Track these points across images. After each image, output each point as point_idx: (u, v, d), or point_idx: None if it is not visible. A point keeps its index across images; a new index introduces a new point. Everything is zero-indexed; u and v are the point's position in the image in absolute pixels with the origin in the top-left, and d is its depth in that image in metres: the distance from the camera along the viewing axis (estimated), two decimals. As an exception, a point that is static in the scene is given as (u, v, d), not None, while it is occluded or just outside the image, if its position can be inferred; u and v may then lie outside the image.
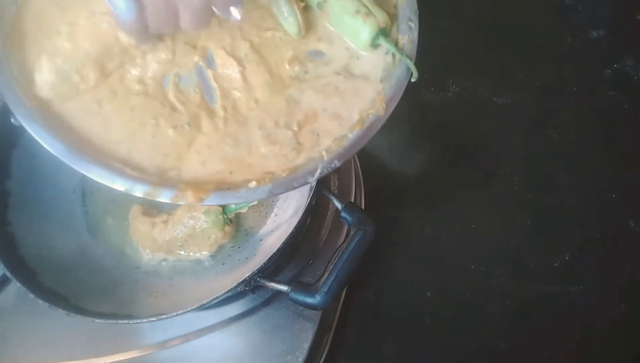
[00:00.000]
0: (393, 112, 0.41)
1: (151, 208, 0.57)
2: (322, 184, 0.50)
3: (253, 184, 0.37)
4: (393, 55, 0.40)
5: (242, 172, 0.37)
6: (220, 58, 0.39)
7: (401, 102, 0.77)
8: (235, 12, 0.36)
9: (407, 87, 0.41)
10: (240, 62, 0.39)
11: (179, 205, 0.55)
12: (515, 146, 0.70)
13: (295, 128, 0.39)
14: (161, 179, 0.36)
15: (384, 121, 0.40)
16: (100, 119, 0.37)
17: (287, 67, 0.40)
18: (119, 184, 0.35)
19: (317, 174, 0.37)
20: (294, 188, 0.37)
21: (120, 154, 0.36)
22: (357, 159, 0.65)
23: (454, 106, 0.73)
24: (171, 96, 0.38)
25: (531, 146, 0.69)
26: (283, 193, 0.37)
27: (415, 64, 0.40)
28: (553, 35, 0.77)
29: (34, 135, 0.35)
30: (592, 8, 0.78)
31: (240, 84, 0.39)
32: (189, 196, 0.35)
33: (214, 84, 0.39)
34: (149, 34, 0.36)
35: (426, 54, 0.77)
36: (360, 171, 0.65)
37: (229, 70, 0.39)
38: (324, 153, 0.38)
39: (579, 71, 0.74)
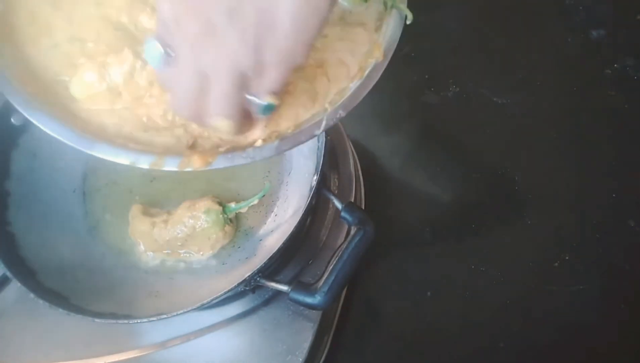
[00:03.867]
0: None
1: (151, 208, 0.57)
2: (322, 184, 0.50)
3: (259, 142, 0.36)
4: (385, 3, 0.40)
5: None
6: None
7: (402, 103, 0.77)
8: (271, 98, 0.34)
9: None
10: None
11: (179, 205, 0.55)
12: (515, 145, 0.70)
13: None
14: (167, 150, 0.35)
15: (383, 68, 0.39)
16: (117, 118, 0.36)
17: None
18: (123, 158, 0.34)
19: (322, 126, 0.36)
20: (302, 142, 0.36)
21: (135, 137, 0.36)
22: (357, 159, 0.65)
23: (454, 106, 0.73)
24: None
25: (531, 146, 0.69)
26: (290, 148, 0.36)
27: (409, 7, 0.39)
28: (553, 35, 0.77)
29: (28, 117, 0.35)
30: (592, 8, 0.78)
31: None
32: (196, 161, 0.34)
33: None
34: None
35: (426, 54, 0.77)
36: (360, 171, 0.65)
37: None
38: (327, 105, 0.37)
39: (579, 71, 0.74)
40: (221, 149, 0.36)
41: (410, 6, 0.39)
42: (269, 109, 0.35)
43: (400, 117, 0.72)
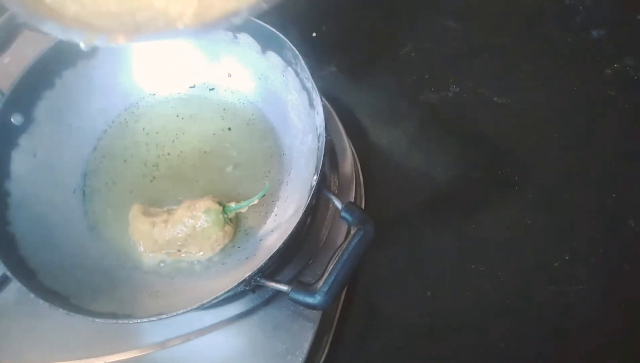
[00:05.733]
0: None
1: (151, 208, 0.57)
2: (322, 184, 0.50)
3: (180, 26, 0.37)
4: None
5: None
6: None
7: (402, 103, 0.77)
8: None
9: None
10: None
11: (179, 205, 0.55)
12: (515, 146, 0.70)
13: None
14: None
15: None
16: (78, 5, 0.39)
17: None
18: (60, 33, 0.36)
19: (241, 16, 0.36)
20: (220, 26, 0.36)
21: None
22: (357, 159, 0.65)
23: (454, 106, 0.73)
24: None
25: (531, 146, 0.69)
26: (210, 30, 0.37)
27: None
28: (553, 35, 0.77)
29: None
30: (592, 8, 0.78)
31: None
32: (119, 39, 0.36)
33: None
34: None
35: (427, 54, 0.77)
36: (360, 171, 0.65)
37: None
38: None
39: (579, 71, 0.74)
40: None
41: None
42: None
43: (400, 117, 0.72)
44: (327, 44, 0.76)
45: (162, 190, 0.59)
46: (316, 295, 0.46)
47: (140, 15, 0.39)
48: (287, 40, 0.54)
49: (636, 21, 0.77)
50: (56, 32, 0.37)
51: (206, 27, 0.38)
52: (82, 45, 0.37)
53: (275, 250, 0.46)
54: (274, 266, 0.54)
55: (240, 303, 0.54)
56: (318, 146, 0.51)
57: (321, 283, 0.46)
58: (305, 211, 0.48)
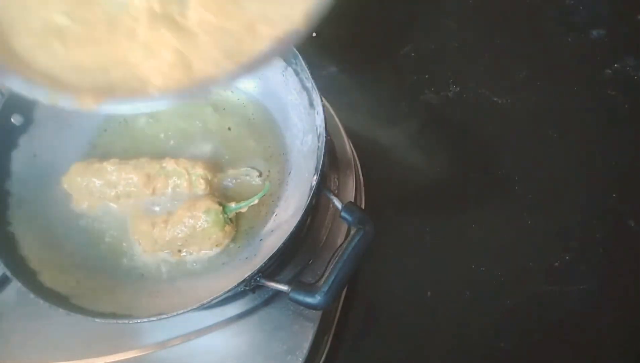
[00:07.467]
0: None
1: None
2: (322, 184, 0.50)
3: (154, 90, 0.36)
4: None
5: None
6: None
7: (402, 103, 0.77)
8: None
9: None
10: None
11: (179, 206, 0.55)
12: (515, 146, 0.70)
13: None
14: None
15: (301, 36, 0.37)
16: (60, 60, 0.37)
17: None
18: (23, 89, 0.35)
19: (219, 83, 0.36)
20: (194, 94, 0.36)
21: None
22: (357, 159, 0.65)
23: (454, 106, 0.73)
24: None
25: (531, 146, 0.69)
26: (184, 99, 0.36)
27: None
28: (553, 35, 0.77)
29: None
30: (592, 8, 0.78)
31: None
32: (88, 101, 0.35)
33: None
34: None
35: (426, 54, 0.77)
36: (360, 171, 0.65)
37: None
38: (233, 65, 0.36)
39: (579, 71, 0.74)
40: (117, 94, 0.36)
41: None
42: None
43: (400, 117, 0.72)
44: (327, 44, 0.76)
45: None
46: (316, 295, 0.46)
47: (114, 73, 0.37)
48: (287, 40, 0.54)
49: (636, 21, 0.77)
50: (19, 88, 0.35)
51: (180, 96, 0.36)
52: (44, 101, 0.35)
53: (275, 250, 0.46)
54: (274, 266, 0.54)
55: (240, 303, 0.54)
56: (318, 146, 0.51)
57: (321, 283, 0.46)
58: (305, 211, 0.48)
